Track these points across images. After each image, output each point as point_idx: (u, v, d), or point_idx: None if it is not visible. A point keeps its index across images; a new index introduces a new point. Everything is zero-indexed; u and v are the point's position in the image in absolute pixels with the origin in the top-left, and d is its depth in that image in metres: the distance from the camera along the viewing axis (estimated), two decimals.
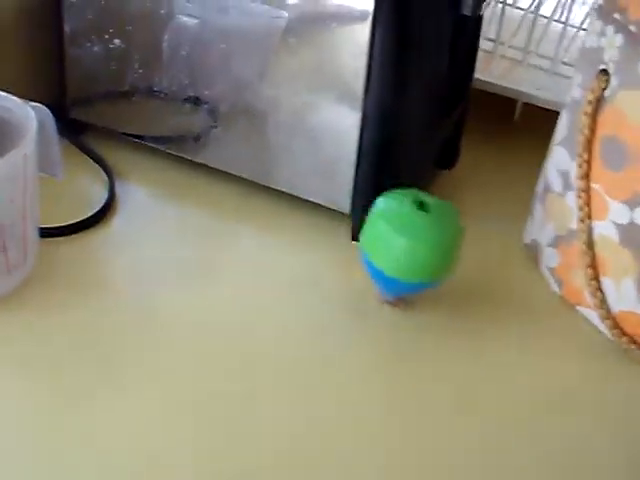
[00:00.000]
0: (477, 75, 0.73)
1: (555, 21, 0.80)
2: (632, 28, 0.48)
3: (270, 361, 0.53)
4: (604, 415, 0.53)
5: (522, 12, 0.82)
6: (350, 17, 0.53)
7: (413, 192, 0.55)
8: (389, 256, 0.53)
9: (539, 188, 0.60)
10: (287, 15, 0.55)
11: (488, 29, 0.79)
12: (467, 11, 0.56)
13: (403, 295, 0.57)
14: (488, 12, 0.79)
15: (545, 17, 0.82)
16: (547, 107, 0.71)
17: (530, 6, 0.79)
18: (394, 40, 0.53)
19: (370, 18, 0.53)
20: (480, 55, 0.77)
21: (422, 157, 0.61)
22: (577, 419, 0.52)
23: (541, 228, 0.60)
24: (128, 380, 0.51)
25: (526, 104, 0.74)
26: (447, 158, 0.65)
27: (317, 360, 0.54)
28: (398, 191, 0.55)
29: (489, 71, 0.75)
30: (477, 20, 0.62)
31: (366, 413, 0.51)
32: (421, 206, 0.54)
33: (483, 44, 0.78)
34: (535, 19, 0.74)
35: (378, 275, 0.55)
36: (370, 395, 0.52)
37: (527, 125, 0.75)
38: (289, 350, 0.54)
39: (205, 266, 0.60)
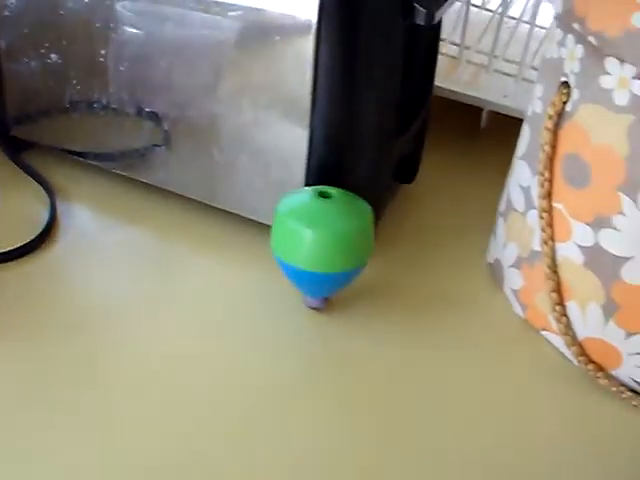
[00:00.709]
0: (442, 83, 0.70)
1: (523, 22, 0.77)
2: (591, 40, 0.45)
3: (222, 388, 0.50)
4: (571, 445, 0.49)
5: (489, 15, 0.79)
6: (294, 29, 0.50)
7: (313, 187, 0.53)
8: (298, 250, 0.51)
9: (501, 204, 0.57)
10: (234, 27, 0.52)
11: (454, 33, 0.76)
12: (420, 20, 0.52)
13: (327, 294, 0.54)
14: (454, 16, 0.76)
15: (513, 18, 0.79)
16: (514, 115, 0.67)
17: (498, 8, 0.76)
18: (340, 53, 0.50)
19: (314, 30, 0.49)
20: (445, 61, 0.74)
21: (378, 172, 0.57)
22: (544, 446, 0.49)
23: (504, 248, 0.56)
24: (70, 414, 0.48)
25: (495, 112, 0.71)
26: (407, 172, 0.61)
27: (277, 388, 0.51)
28: (296, 189, 0.54)
29: (454, 78, 0.72)
30: (434, 29, 0.59)
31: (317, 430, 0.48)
32: (322, 195, 0.52)
33: (449, 49, 0.75)
34: (500, 21, 0.71)
35: (295, 274, 0.52)
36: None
37: (494, 134, 0.72)
38: (247, 375, 0.51)
39: (151, 291, 0.56)
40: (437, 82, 0.70)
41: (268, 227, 0.58)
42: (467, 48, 0.74)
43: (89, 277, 0.57)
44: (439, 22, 0.59)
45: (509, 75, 0.72)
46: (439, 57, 0.73)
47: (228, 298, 0.56)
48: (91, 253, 0.59)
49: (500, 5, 0.75)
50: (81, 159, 0.63)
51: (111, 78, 0.58)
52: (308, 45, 0.50)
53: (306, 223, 0.51)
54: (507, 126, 0.66)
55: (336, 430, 0.48)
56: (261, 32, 0.51)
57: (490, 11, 0.79)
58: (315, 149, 0.53)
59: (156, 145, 0.59)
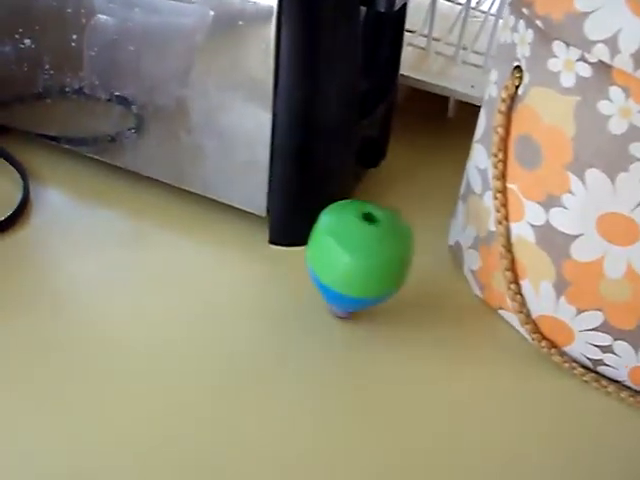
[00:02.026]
0: (412, 73, 0.72)
1: (491, 15, 0.79)
2: (539, 24, 0.46)
3: (203, 375, 0.51)
4: (526, 419, 0.51)
5: (459, 7, 0.80)
6: (256, 15, 0.51)
7: (359, 203, 0.52)
8: (335, 272, 0.51)
9: (462, 188, 0.59)
10: (199, 13, 0.53)
11: (425, 25, 0.78)
12: (381, 7, 0.54)
13: (356, 310, 0.55)
14: (425, 8, 0.78)
15: (482, 12, 0.81)
16: (480, 104, 0.69)
17: (469, 2, 0.78)
18: (301, 38, 0.51)
19: (275, 16, 0.51)
20: (416, 52, 0.76)
21: (342, 156, 0.59)
22: (500, 421, 0.51)
23: (463, 229, 0.58)
24: (33, 393, 0.49)
25: (463, 102, 0.72)
26: (372, 156, 0.63)
27: (251, 373, 0.52)
28: (343, 202, 0.53)
29: (424, 68, 0.73)
30: (398, 16, 0.61)
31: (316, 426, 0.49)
32: (368, 218, 0.51)
33: (420, 41, 0.77)
34: (466, 13, 0.72)
35: (327, 292, 0.52)
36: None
37: (462, 123, 0.73)
38: (219, 361, 0.52)
39: (121, 271, 0.58)
40: (407, 72, 0.72)
41: (236, 209, 0.60)
42: (437, 40, 0.76)
43: (60, 258, 0.58)
44: (403, 9, 0.60)
45: (478, 66, 0.74)
46: (410, 49, 0.76)
47: (199, 279, 0.58)
48: (63, 234, 0.60)
49: None
50: (54, 143, 0.65)
51: (83, 63, 0.59)
52: (269, 30, 0.51)
53: (346, 247, 0.50)
54: (475, 115, 0.68)
55: (338, 434, 0.49)
56: (225, 18, 0.52)
57: (458, 4, 0.81)
58: (278, 132, 0.55)
59: (127, 129, 0.60)
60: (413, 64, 0.74)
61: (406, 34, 0.76)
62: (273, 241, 0.60)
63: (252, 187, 0.58)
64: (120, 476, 0.45)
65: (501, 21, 0.73)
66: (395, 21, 0.61)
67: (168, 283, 0.57)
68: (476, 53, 0.76)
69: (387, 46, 0.61)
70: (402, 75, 0.71)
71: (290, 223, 0.59)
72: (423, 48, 0.75)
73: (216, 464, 0.46)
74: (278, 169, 0.56)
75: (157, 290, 0.56)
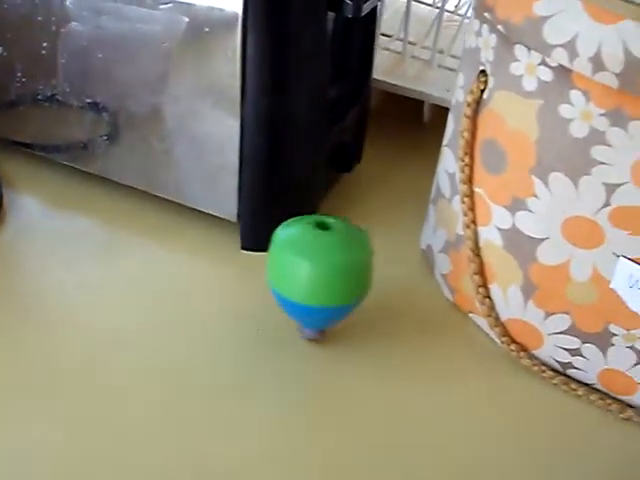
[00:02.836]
0: (387, 77, 0.72)
1: (467, 18, 0.79)
2: (500, 28, 0.47)
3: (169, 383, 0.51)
4: (496, 423, 0.51)
5: (437, 11, 0.80)
6: (221, 21, 0.51)
7: (309, 216, 0.52)
8: (296, 283, 0.50)
9: (432, 192, 0.59)
10: (166, 19, 0.53)
11: (401, 30, 0.78)
12: (348, 13, 0.54)
13: (324, 327, 0.54)
14: (402, 12, 0.78)
15: (460, 15, 0.81)
16: None
17: (438, 3, 0.78)
18: (267, 44, 0.52)
19: (240, 22, 0.51)
20: (392, 56, 0.76)
21: (313, 161, 0.59)
22: (470, 427, 0.51)
23: (434, 233, 0.58)
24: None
25: (439, 106, 0.72)
26: (345, 161, 0.63)
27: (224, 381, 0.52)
28: (294, 218, 0.52)
29: (400, 73, 0.73)
30: (368, 22, 0.61)
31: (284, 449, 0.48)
32: (321, 226, 0.51)
33: (397, 45, 0.77)
34: (440, 17, 0.73)
35: (291, 307, 0.51)
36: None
37: (437, 127, 0.73)
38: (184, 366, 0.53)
39: (95, 277, 0.58)
40: (383, 77, 0.72)
41: (208, 215, 0.60)
42: (413, 44, 0.76)
43: (33, 265, 0.58)
44: (373, 14, 0.60)
45: (453, 70, 0.74)
46: (387, 53, 0.76)
47: (171, 285, 0.58)
48: (36, 241, 0.60)
49: (440, 0, 0.76)
50: (28, 150, 0.65)
51: (55, 71, 0.59)
52: (235, 37, 0.51)
53: (304, 255, 0.49)
54: None
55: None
56: (191, 24, 0.53)
57: (430, 6, 0.81)
58: (247, 138, 0.55)
59: (99, 136, 0.60)
60: (389, 68, 0.74)
61: (383, 38, 0.77)
62: (244, 247, 0.60)
63: (223, 193, 0.58)
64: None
65: None
66: (365, 26, 0.61)
67: (140, 290, 0.57)
68: (453, 57, 0.76)
69: (358, 51, 0.61)
70: (377, 80, 0.71)
71: (261, 229, 0.59)
72: (399, 52, 0.75)
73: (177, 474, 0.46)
74: (248, 175, 0.56)
75: (129, 296, 0.56)
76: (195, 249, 0.60)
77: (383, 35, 0.77)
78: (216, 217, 0.60)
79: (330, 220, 0.51)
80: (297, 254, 0.49)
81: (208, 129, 0.56)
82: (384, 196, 0.67)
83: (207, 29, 0.52)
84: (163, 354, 0.53)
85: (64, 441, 0.47)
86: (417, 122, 0.74)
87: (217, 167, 0.57)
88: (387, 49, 0.76)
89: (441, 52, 0.74)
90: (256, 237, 0.59)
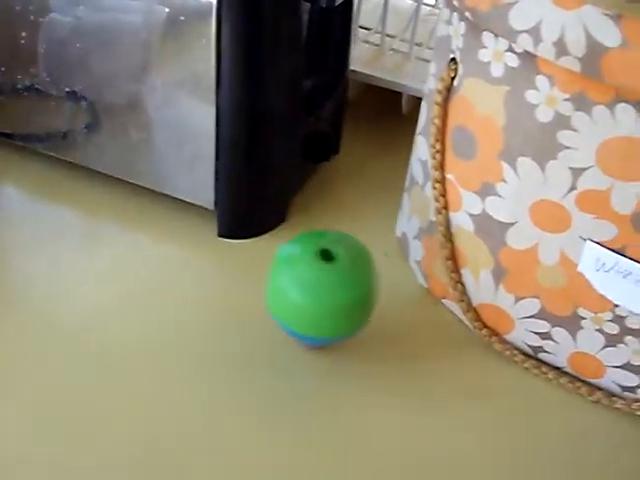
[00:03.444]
0: (365, 69, 0.73)
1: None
2: (468, 15, 0.47)
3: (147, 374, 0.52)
4: (470, 407, 0.52)
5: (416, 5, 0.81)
6: (196, 10, 0.52)
7: (319, 236, 0.50)
8: (294, 316, 0.49)
9: (407, 180, 0.60)
10: (142, 9, 0.54)
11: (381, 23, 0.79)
12: (323, 3, 0.55)
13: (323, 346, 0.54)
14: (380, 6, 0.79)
15: (439, 9, 0.81)
16: None
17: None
18: (241, 33, 0.52)
19: (214, 11, 0.51)
20: (372, 49, 0.77)
21: (288, 150, 0.59)
22: (443, 411, 0.51)
23: (408, 221, 0.59)
24: None
25: (418, 97, 0.73)
26: (322, 151, 0.64)
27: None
28: (305, 234, 0.51)
29: (379, 65, 0.74)
30: (345, 13, 0.62)
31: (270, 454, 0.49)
32: (325, 255, 0.49)
33: (376, 38, 0.78)
34: (418, 9, 0.73)
35: (292, 334, 0.51)
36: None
37: (415, 118, 0.74)
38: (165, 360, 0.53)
39: (74, 268, 0.58)
40: (362, 69, 0.73)
41: (186, 203, 0.61)
42: (392, 37, 0.77)
43: (13, 254, 0.59)
44: (349, 5, 0.61)
45: (428, 61, 0.75)
46: (367, 46, 0.77)
47: (151, 271, 0.58)
48: (16, 230, 0.61)
49: None
50: (8, 140, 0.65)
51: (34, 60, 0.60)
52: (210, 26, 0.52)
53: (305, 292, 0.48)
54: None
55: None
56: (167, 13, 0.53)
57: (415, 0, 0.82)
58: (222, 126, 0.56)
59: (79, 125, 0.61)
60: (368, 61, 0.75)
61: (363, 31, 0.78)
62: (222, 234, 0.60)
63: (200, 181, 0.58)
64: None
65: None
66: (341, 17, 0.62)
67: (120, 278, 0.58)
68: (431, 49, 0.77)
69: (334, 42, 0.62)
70: (357, 72, 0.72)
71: (237, 216, 0.60)
72: (378, 45, 0.76)
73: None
74: (224, 163, 0.57)
75: (108, 285, 0.57)
76: (173, 236, 0.61)
77: (362, 28, 0.78)
78: (194, 205, 0.61)
79: (335, 249, 0.49)
80: (300, 291, 0.48)
81: (185, 118, 0.57)
82: (362, 185, 0.68)
83: (183, 18, 0.53)
84: (144, 340, 0.53)
85: (36, 420, 0.47)
86: (396, 113, 0.74)
87: (194, 155, 0.58)
88: (367, 42, 0.77)
89: (419, 45, 0.75)
90: (233, 224, 0.60)
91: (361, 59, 0.74)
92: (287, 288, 0.49)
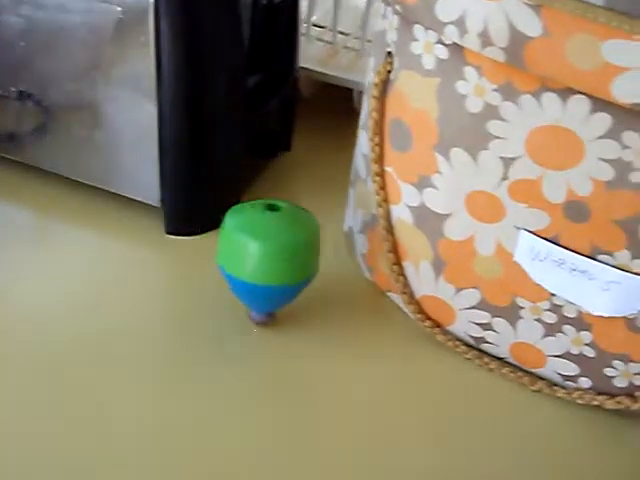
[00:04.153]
0: (317, 67, 0.74)
1: None
2: (398, 8, 0.48)
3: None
4: (411, 398, 0.52)
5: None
6: (134, 7, 0.53)
7: (260, 201, 0.53)
8: (245, 263, 0.51)
9: (351, 174, 0.60)
10: (82, 8, 0.54)
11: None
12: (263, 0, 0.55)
13: (274, 309, 0.55)
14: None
15: None
16: None
17: None
18: (179, 31, 0.53)
19: (152, 7, 0.52)
20: (327, 47, 0.78)
21: (231, 147, 0.60)
22: (391, 403, 0.52)
23: (354, 215, 0.59)
24: None
25: None
26: (270, 148, 0.64)
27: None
28: (246, 202, 0.54)
29: (332, 63, 0.75)
30: (291, 10, 0.62)
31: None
32: (270, 208, 0.53)
33: (331, 36, 0.78)
34: (369, 7, 0.74)
35: (242, 288, 0.52)
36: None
37: None
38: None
39: (21, 268, 0.58)
40: (316, 67, 0.73)
41: (134, 201, 0.61)
42: (346, 35, 0.78)
43: None
44: (295, 3, 0.62)
45: None
46: (321, 44, 0.78)
47: (100, 270, 0.59)
48: None
49: None
50: None
51: None
52: (148, 23, 0.53)
53: (253, 235, 0.51)
54: None
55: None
56: (106, 11, 0.54)
57: None
58: (165, 124, 0.56)
59: (26, 125, 0.61)
60: (322, 59, 0.75)
61: (317, 29, 0.79)
62: (169, 231, 0.61)
63: (146, 178, 0.59)
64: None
65: None
66: (287, 14, 0.62)
67: (69, 275, 0.58)
68: None
69: (280, 39, 0.62)
70: (311, 70, 0.73)
71: (184, 213, 0.60)
72: (331, 42, 0.76)
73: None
74: (168, 160, 0.57)
75: (57, 282, 0.57)
76: (122, 235, 0.61)
77: (316, 26, 0.78)
78: (142, 202, 0.61)
79: (279, 203, 0.53)
80: (247, 234, 0.51)
81: (129, 116, 0.57)
82: (313, 182, 0.68)
83: (122, 16, 0.53)
84: (91, 337, 0.53)
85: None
86: (349, 110, 0.75)
87: (139, 153, 0.58)
88: (321, 40, 0.77)
89: (369, 41, 0.76)
90: (180, 221, 0.60)
91: (315, 57, 0.75)
92: (235, 235, 0.51)
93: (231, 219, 0.52)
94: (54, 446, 0.46)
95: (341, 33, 0.77)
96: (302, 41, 0.75)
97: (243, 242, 0.51)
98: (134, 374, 0.51)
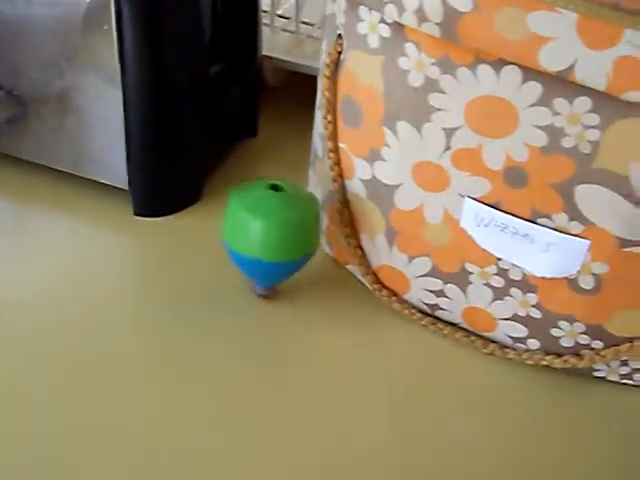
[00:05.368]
0: (283, 55, 0.76)
1: None
2: None
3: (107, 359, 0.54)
4: (369, 365, 0.55)
5: None
6: None
7: (264, 180, 0.56)
8: (249, 239, 0.53)
9: (311, 154, 0.63)
10: (86, 1, 0.57)
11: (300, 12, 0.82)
12: None
13: (276, 283, 0.58)
14: None
15: None
16: None
17: None
18: (139, 19, 0.55)
19: None
20: (293, 37, 0.80)
21: (195, 130, 0.62)
22: (352, 370, 0.54)
23: (314, 193, 0.62)
24: None
25: None
26: (234, 132, 0.67)
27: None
28: (251, 182, 0.56)
29: (297, 52, 0.77)
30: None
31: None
32: (274, 188, 0.55)
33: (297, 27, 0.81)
34: None
35: (246, 263, 0.55)
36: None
37: None
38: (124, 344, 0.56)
39: (5, 254, 0.61)
40: (282, 56, 0.76)
41: (104, 185, 0.64)
42: (311, 25, 0.80)
43: None
44: None
45: None
46: (287, 35, 0.80)
47: (73, 253, 0.61)
48: None
49: None
50: None
51: None
52: (109, 11, 0.55)
53: (258, 214, 0.53)
54: None
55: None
56: (70, 2, 0.56)
57: None
58: (130, 109, 0.58)
59: (2, 116, 0.64)
60: (287, 48, 0.78)
61: (282, 20, 0.81)
62: (137, 213, 0.63)
63: (113, 162, 0.61)
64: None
65: None
66: (247, 4, 0.65)
67: (43, 260, 0.60)
68: None
69: (241, 28, 0.65)
70: (277, 58, 0.75)
71: (151, 195, 0.63)
72: (294, 32, 0.79)
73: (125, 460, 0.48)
74: (134, 143, 0.60)
75: (28, 270, 0.59)
76: (93, 218, 0.64)
77: (281, 17, 0.81)
78: (110, 186, 0.63)
79: (282, 184, 0.55)
80: (253, 213, 0.53)
81: (95, 102, 0.59)
82: (279, 165, 0.71)
83: (84, 5, 0.56)
84: (65, 322, 0.55)
85: None
86: (314, 97, 0.77)
87: (106, 138, 0.61)
88: (286, 30, 0.80)
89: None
90: (147, 203, 0.63)
91: (281, 47, 0.78)
92: (241, 214, 0.53)
93: (236, 199, 0.54)
94: (37, 443, 0.49)
95: (306, 23, 0.80)
96: (267, 32, 0.78)
97: (249, 221, 0.53)
98: (113, 359, 0.53)
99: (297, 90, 0.80)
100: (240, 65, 0.67)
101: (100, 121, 0.60)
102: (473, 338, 0.56)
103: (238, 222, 0.54)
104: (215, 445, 0.48)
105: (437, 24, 0.46)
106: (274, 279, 0.57)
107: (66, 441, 0.47)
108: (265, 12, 0.78)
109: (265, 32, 0.77)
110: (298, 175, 0.69)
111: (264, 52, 0.74)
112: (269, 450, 0.48)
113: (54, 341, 0.54)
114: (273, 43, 0.78)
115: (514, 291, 0.53)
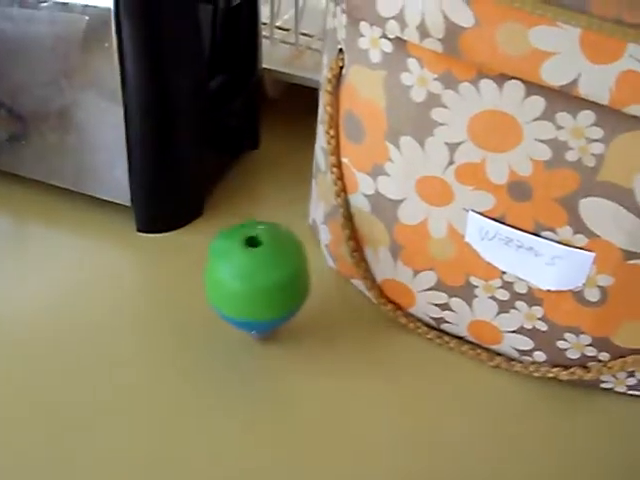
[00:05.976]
0: (283, 68, 0.76)
1: None
2: (344, 7, 0.51)
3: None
4: (376, 379, 0.55)
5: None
6: (96, 16, 0.55)
7: (246, 227, 0.53)
8: (228, 301, 0.52)
9: (313, 168, 0.63)
10: (47, 18, 0.57)
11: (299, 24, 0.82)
12: (221, 4, 0.58)
13: (265, 333, 0.56)
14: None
15: None
16: None
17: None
18: (139, 36, 0.55)
19: (113, 15, 0.54)
20: (293, 49, 0.80)
21: (196, 145, 0.62)
22: (357, 386, 0.54)
23: (316, 207, 0.62)
24: None
25: None
26: (236, 146, 0.67)
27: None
28: (232, 227, 0.53)
29: (297, 64, 0.77)
30: (249, 14, 0.65)
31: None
32: (251, 242, 0.52)
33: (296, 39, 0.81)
34: (328, 10, 0.76)
35: (235, 323, 0.53)
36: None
37: None
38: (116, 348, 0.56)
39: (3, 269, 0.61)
40: (282, 68, 0.76)
41: (106, 201, 0.64)
42: (310, 37, 0.80)
43: None
44: (254, 6, 0.64)
45: None
46: (287, 47, 0.80)
47: (75, 271, 0.61)
48: None
49: None
50: None
51: None
52: (110, 30, 0.55)
53: (236, 277, 0.51)
54: None
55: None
56: (70, 20, 0.56)
57: None
58: (131, 125, 0.58)
59: (3, 135, 0.64)
60: (287, 60, 0.78)
61: (282, 32, 0.81)
62: (140, 229, 0.63)
63: (115, 179, 0.61)
64: None
65: None
66: (247, 18, 0.65)
67: (42, 279, 0.60)
68: None
69: (240, 41, 0.65)
70: (277, 71, 0.75)
71: (154, 211, 0.63)
72: (294, 44, 0.79)
73: None
74: (136, 159, 0.60)
75: (31, 287, 0.59)
76: (95, 235, 0.63)
77: (280, 29, 0.81)
78: (113, 203, 0.63)
79: (261, 235, 0.52)
80: (231, 276, 0.51)
81: (97, 119, 0.59)
82: (280, 178, 0.71)
83: (88, 24, 0.56)
84: (68, 337, 0.55)
85: None
86: (314, 109, 0.77)
87: (108, 154, 0.60)
88: (285, 42, 0.80)
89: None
90: (150, 219, 0.63)
91: (281, 59, 0.78)
92: (220, 277, 0.52)
93: (214, 260, 0.52)
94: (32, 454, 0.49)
95: (305, 35, 0.80)
96: (267, 44, 0.78)
97: (228, 284, 0.51)
98: (112, 375, 0.53)
99: (297, 101, 0.80)
100: (241, 78, 0.67)
101: (101, 138, 0.60)
102: (479, 351, 0.56)
103: (220, 287, 0.52)
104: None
105: (439, 39, 0.45)
106: (267, 330, 0.56)
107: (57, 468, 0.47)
108: (264, 24, 0.78)
109: (264, 44, 0.77)
110: (300, 188, 0.69)
111: (263, 64, 0.74)
112: None
113: (54, 358, 0.54)
114: (272, 55, 0.78)
115: (520, 304, 0.53)
